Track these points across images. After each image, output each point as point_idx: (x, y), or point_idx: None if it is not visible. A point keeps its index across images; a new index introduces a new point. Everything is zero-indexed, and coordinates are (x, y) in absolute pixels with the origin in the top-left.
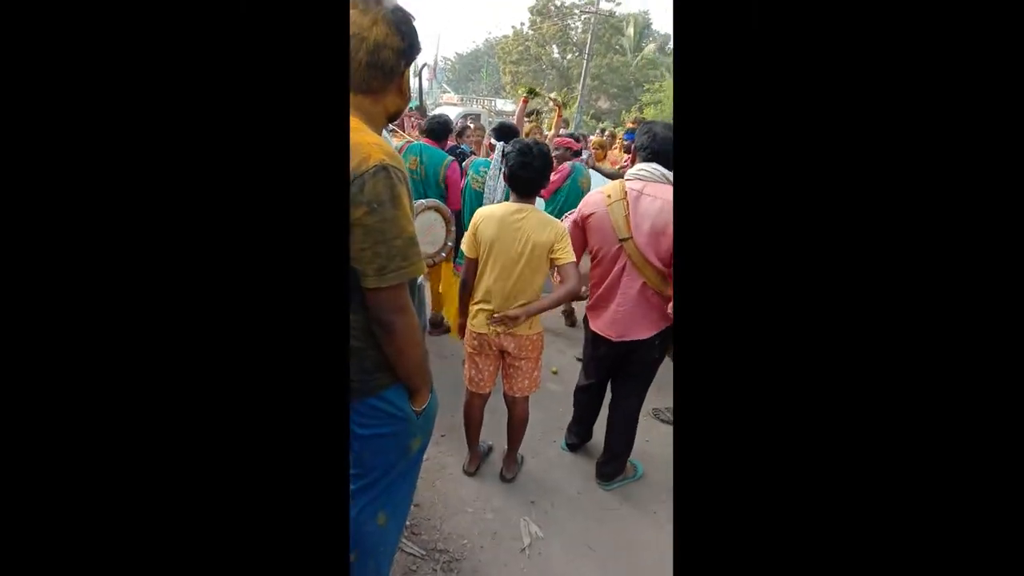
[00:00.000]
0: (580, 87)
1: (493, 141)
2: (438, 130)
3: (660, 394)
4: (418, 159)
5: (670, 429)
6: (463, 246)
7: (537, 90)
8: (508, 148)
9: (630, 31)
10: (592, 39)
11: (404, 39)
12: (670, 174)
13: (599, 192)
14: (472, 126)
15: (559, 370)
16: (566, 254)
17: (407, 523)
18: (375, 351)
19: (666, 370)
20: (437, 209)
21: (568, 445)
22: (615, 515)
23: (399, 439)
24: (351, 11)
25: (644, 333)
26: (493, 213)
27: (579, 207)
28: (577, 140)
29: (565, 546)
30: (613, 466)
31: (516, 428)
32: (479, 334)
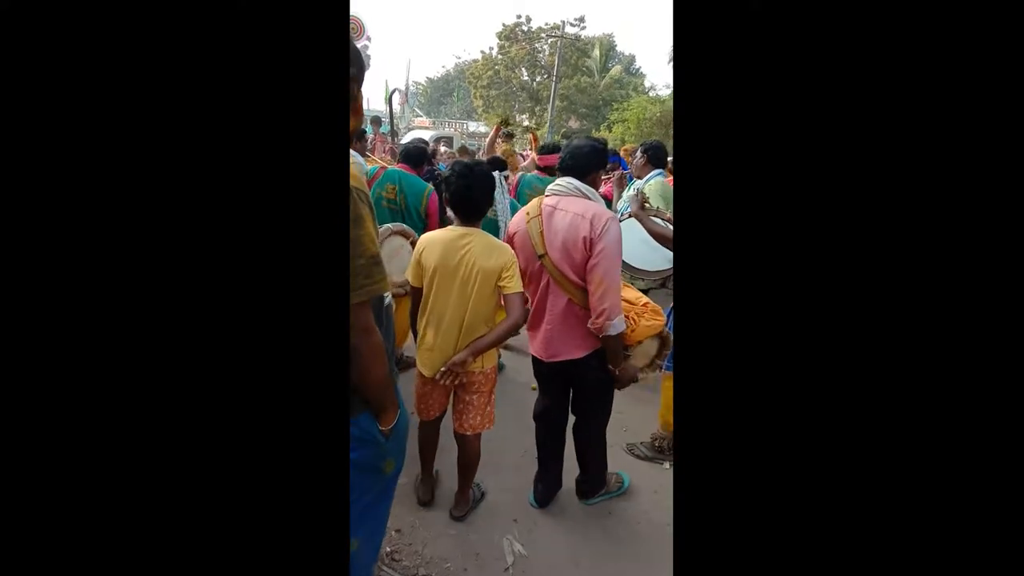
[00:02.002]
0: (550, 108)
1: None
2: (415, 156)
3: (630, 434)
4: (396, 187)
5: (647, 465)
6: (407, 273)
7: (510, 120)
8: (447, 171)
9: (596, 53)
10: (559, 62)
11: (352, 64)
12: (586, 187)
13: (522, 210)
14: (444, 149)
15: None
16: (513, 283)
17: (387, 549)
18: None
19: (634, 406)
20: (403, 234)
21: (536, 498)
22: (600, 529)
23: (371, 463)
24: None
25: (575, 352)
26: (436, 238)
27: (509, 225)
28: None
29: (550, 563)
30: (591, 483)
31: (466, 467)
32: (422, 375)
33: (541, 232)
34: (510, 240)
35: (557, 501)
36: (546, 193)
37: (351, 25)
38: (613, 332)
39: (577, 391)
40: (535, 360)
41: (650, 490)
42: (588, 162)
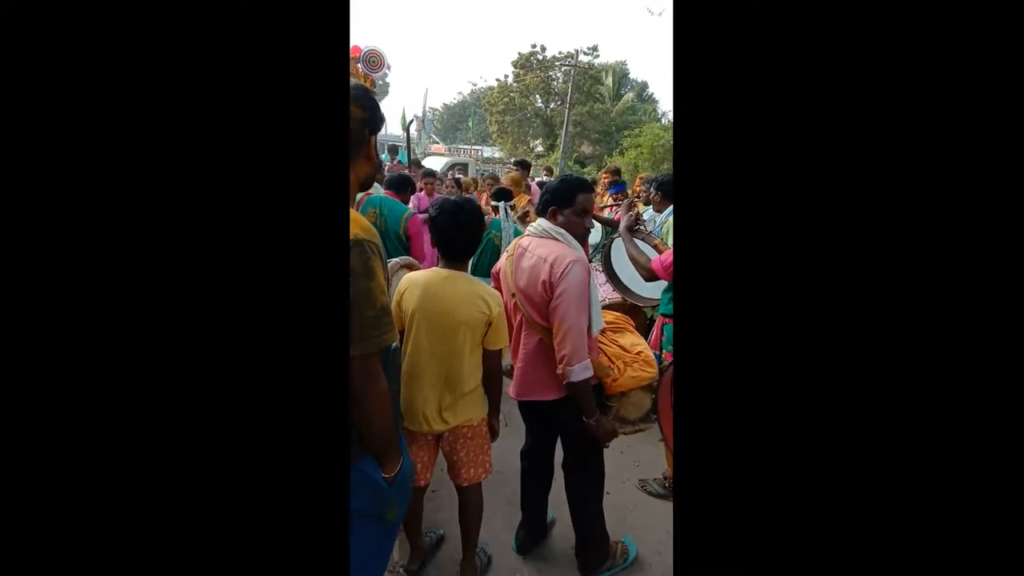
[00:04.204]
0: (563, 134)
1: (493, 203)
2: (398, 183)
3: (642, 469)
4: (377, 211)
5: (661, 503)
6: None
7: (529, 161)
8: (434, 209)
9: (609, 80)
10: (573, 89)
11: (366, 110)
12: (556, 229)
13: (507, 249)
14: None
15: None
16: (496, 338)
17: None
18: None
19: (647, 440)
20: (410, 267)
21: (517, 546)
22: None
23: (373, 510)
24: None
25: (546, 394)
26: (418, 280)
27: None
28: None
29: None
30: (591, 554)
31: (468, 523)
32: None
33: (512, 271)
34: (496, 275)
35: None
36: (525, 233)
37: (371, 57)
38: (575, 379)
39: (564, 441)
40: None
41: (663, 529)
42: (549, 200)
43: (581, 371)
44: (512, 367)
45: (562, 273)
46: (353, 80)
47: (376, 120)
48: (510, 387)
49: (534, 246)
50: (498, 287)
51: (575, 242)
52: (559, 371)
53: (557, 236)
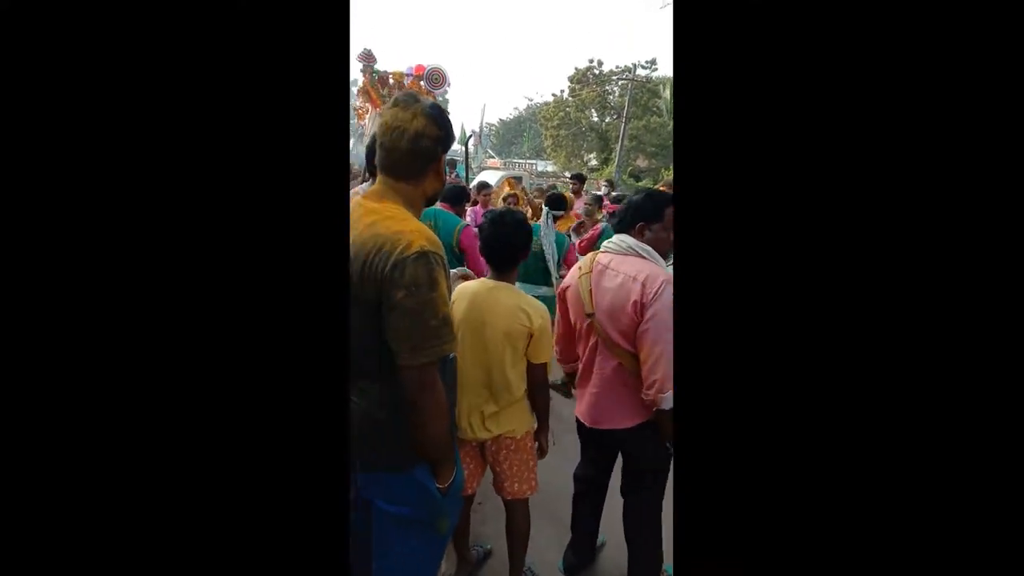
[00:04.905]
0: (618, 148)
1: (544, 208)
2: (452, 195)
3: None
4: (432, 224)
5: None
6: None
7: (584, 175)
8: (482, 219)
9: (667, 94)
10: (630, 103)
11: (441, 128)
12: (642, 246)
13: (577, 264)
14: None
15: None
16: (539, 351)
17: None
18: (405, 427)
19: None
20: (467, 278)
21: (566, 566)
22: None
23: (426, 520)
24: (393, 109)
25: (622, 422)
26: (466, 291)
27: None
28: (616, 200)
29: None
30: None
31: (514, 539)
32: None
33: (590, 290)
34: (562, 293)
35: None
36: (601, 249)
37: (434, 75)
38: (666, 406)
39: (627, 466)
40: (578, 421)
41: None
42: (635, 215)
43: (672, 398)
44: (564, 383)
45: (655, 293)
46: (428, 99)
47: (448, 139)
48: (578, 411)
49: (616, 263)
50: (564, 307)
51: (661, 259)
52: (649, 397)
53: (643, 253)
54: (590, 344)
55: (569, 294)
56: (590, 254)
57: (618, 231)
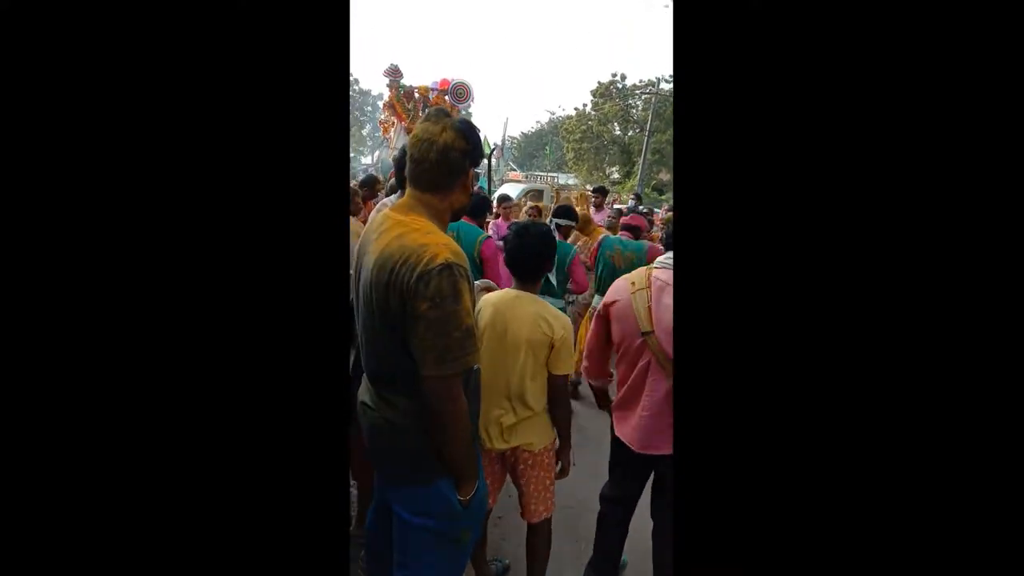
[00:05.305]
0: (641, 161)
1: (552, 220)
2: (474, 207)
3: None
4: (455, 235)
5: None
6: None
7: (607, 188)
8: (507, 231)
9: None
10: (653, 116)
11: (469, 142)
12: None
13: (624, 279)
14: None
15: None
16: (559, 363)
17: None
18: (427, 437)
19: None
20: (489, 290)
21: None
22: None
23: (448, 533)
24: (425, 123)
25: (672, 446)
26: (491, 299)
27: (607, 293)
28: (642, 214)
29: None
30: None
31: (534, 559)
32: None
33: (649, 307)
34: (606, 308)
35: None
36: (655, 265)
37: (458, 90)
38: None
39: (660, 491)
40: (617, 444)
41: None
42: None
43: None
44: (596, 388)
45: None
46: (457, 116)
47: (477, 153)
48: (623, 435)
49: None
50: (603, 323)
51: None
52: None
53: None
54: (640, 365)
55: (616, 310)
56: (642, 269)
57: (670, 248)
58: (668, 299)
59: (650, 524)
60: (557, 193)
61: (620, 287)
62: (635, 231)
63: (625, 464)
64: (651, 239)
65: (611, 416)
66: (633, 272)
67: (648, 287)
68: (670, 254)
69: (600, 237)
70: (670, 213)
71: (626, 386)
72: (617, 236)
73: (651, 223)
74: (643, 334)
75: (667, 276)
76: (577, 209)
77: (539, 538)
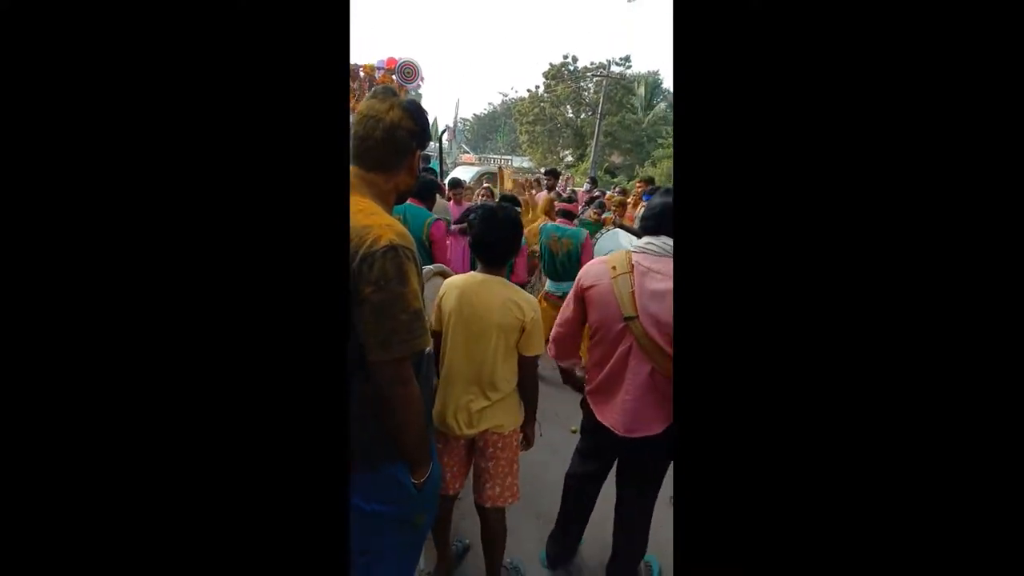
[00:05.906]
0: (593, 144)
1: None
2: (423, 191)
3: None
4: (401, 218)
5: None
6: (430, 316)
7: (559, 171)
8: (473, 215)
9: (641, 91)
10: (604, 100)
11: (417, 123)
12: None
13: (601, 262)
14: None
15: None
16: (531, 345)
17: None
18: (378, 423)
19: None
20: (443, 274)
21: (548, 558)
22: None
23: (403, 516)
24: (370, 100)
25: (656, 427)
26: (456, 283)
27: (578, 277)
28: (570, 201)
29: None
30: (624, 569)
31: (489, 546)
32: (437, 430)
33: (632, 293)
34: (583, 292)
35: None
36: (634, 249)
37: (406, 69)
38: None
39: (632, 469)
40: (594, 427)
41: None
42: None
43: None
44: (565, 370)
45: None
46: (404, 96)
47: (425, 135)
48: (606, 420)
49: (662, 267)
50: (579, 307)
51: None
52: None
53: None
54: (621, 349)
55: (594, 294)
56: (621, 253)
57: (650, 233)
58: (652, 284)
59: (606, 497)
60: (501, 171)
61: (599, 271)
62: (570, 216)
63: (600, 447)
64: (605, 223)
65: (584, 398)
66: (611, 255)
67: (630, 272)
68: (649, 239)
69: (538, 225)
70: (620, 195)
71: (605, 371)
72: (555, 223)
73: (603, 206)
74: (626, 319)
75: (649, 261)
76: (515, 194)
77: (495, 523)
